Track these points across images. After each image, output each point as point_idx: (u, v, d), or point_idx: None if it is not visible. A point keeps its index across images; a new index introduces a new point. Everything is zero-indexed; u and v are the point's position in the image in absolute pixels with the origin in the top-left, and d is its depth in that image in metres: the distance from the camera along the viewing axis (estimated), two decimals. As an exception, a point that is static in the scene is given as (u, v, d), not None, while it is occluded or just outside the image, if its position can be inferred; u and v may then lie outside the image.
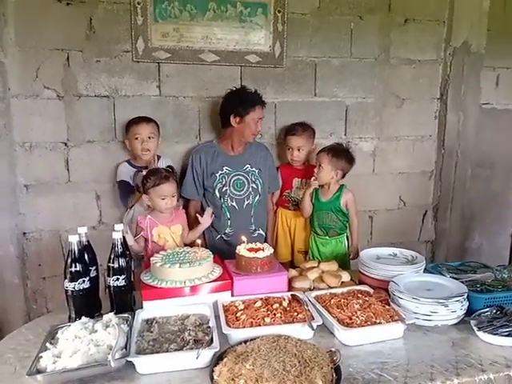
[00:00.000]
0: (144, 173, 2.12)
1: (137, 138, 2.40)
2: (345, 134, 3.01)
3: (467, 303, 1.54)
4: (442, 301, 1.49)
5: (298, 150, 2.64)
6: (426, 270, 1.82)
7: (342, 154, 2.41)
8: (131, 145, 2.44)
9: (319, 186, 2.46)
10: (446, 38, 3.06)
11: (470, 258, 2.34)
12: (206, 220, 2.19)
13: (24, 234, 2.56)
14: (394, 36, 2.96)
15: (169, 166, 2.23)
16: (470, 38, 3.03)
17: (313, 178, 2.42)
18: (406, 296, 1.53)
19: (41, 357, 1.26)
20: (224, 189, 2.50)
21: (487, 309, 1.55)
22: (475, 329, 1.44)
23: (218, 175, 2.50)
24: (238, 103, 2.45)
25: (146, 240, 2.03)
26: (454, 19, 3.01)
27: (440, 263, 1.97)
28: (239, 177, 2.53)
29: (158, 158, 2.51)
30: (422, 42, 3.03)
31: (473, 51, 3.04)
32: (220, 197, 2.51)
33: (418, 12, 2.97)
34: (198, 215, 2.20)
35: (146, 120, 2.45)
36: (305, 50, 2.82)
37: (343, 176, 2.44)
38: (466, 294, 1.54)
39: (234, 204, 2.53)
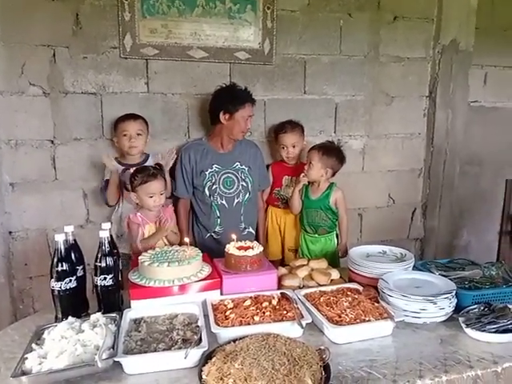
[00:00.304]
0: (131, 171, 2.09)
1: (125, 135, 2.38)
2: (334, 132, 3.01)
3: (455, 300, 1.55)
4: (430, 298, 1.50)
5: (293, 146, 2.64)
6: (415, 268, 1.83)
7: (332, 152, 2.41)
8: (119, 142, 2.42)
9: (309, 183, 2.46)
10: (434, 36, 3.08)
11: (458, 256, 2.36)
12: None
13: (10, 232, 2.52)
14: (383, 33, 2.96)
15: (157, 164, 2.21)
16: (459, 35, 3.05)
17: (302, 174, 2.42)
18: (395, 293, 1.54)
19: (26, 358, 1.24)
20: (214, 187, 2.49)
21: (475, 306, 1.56)
22: (463, 326, 1.45)
23: (207, 173, 2.48)
24: (228, 100, 2.43)
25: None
26: (442, 17, 3.02)
27: (429, 261, 1.98)
28: (229, 175, 2.51)
29: (147, 156, 2.49)
30: (411, 40, 3.04)
31: (461, 49, 3.07)
32: (210, 195, 2.50)
33: (407, 9, 2.98)
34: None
35: (134, 117, 2.43)
36: (294, 47, 2.81)
37: (333, 174, 2.44)
38: (454, 291, 1.55)
39: (223, 202, 2.51)
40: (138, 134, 2.41)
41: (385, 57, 3.00)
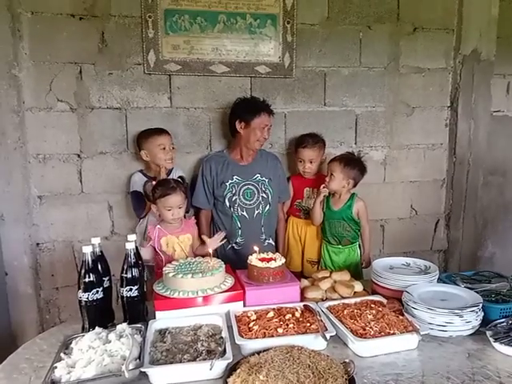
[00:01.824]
0: (154, 183, 2.13)
1: (164, 148, 2.43)
2: (355, 143, 3.01)
3: (482, 313, 1.52)
4: (456, 311, 1.48)
5: (310, 162, 2.64)
6: (439, 280, 1.80)
7: (354, 163, 2.41)
8: (153, 154, 2.44)
9: (330, 194, 2.46)
10: (455, 46, 3.06)
11: (483, 267, 2.32)
12: (213, 243, 2.06)
13: (37, 244, 2.59)
14: (403, 44, 2.96)
15: (180, 177, 2.25)
16: (480, 45, 3.02)
17: (322, 185, 2.42)
18: (420, 306, 1.52)
19: (55, 367, 1.28)
20: (234, 198, 2.51)
21: (503, 319, 1.53)
22: (491, 340, 1.42)
23: (228, 184, 2.51)
24: (244, 109, 2.50)
25: (155, 249, 2.04)
26: (462, 27, 3.01)
27: (454, 273, 1.95)
28: (249, 186, 2.53)
29: (171, 169, 2.53)
30: (431, 51, 3.03)
31: (483, 59, 3.04)
32: (230, 206, 2.52)
33: (427, 20, 2.98)
34: (204, 237, 2.10)
35: (166, 131, 2.49)
36: (314, 60, 2.84)
37: (355, 185, 2.44)
38: (481, 305, 1.52)
39: (244, 213, 2.53)
40: (173, 148, 2.48)
41: (405, 68, 3.00)
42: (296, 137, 2.81)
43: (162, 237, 2.04)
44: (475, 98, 3.08)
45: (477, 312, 1.50)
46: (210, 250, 1.86)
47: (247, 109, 2.49)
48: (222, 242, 2.13)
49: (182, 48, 2.59)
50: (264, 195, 2.55)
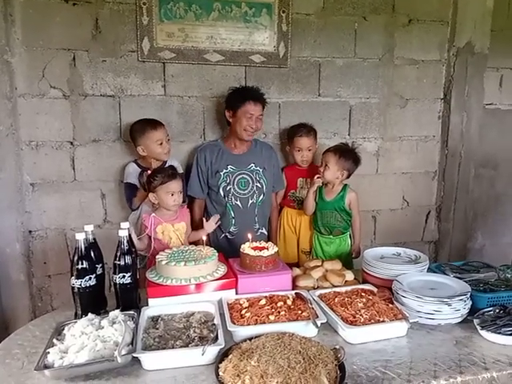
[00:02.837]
0: (149, 172, 2.13)
1: (161, 144, 2.41)
2: (348, 134, 3.02)
3: (470, 302, 1.55)
4: (445, 300, 1.50)
5: (309, 150, 2.66)
6: (429, 270, 1.83)
7: (349, 154, 2.42)
8: (150, 150, 2.40)
9: (323, 184, 2.47)
10: (449, 38, 3.07)
11: (472, 259, 2.35)
12: (209, 225, 2.21)
13: (30, 232, 2.59)
14: (398, 36, 2.96)
15: (170, 166, 2.26)
16: (474, 38, 3.03)
17: (316, 176, 2.43)
18: (409, 295, 1.54)
19: (48, 352, 1.28)
20: (228, 187, 2.52)
21: (490, 308, 1.56)
22: (478, 328, 1.45)
23: (222, 174, 2.51)
24: (232, 98, 2.50)
25: (150, 238, 2.04)
26: (457, 19, 3.01)
27: (443, 263, 1.98)
28: (243, 176, 2.54)
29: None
30: (425, 43, 3.03)
31: (476, 51, 3.05)
32: (224, 195, 2.52)
33: (422, 12, 2.98)
34: (204, 219, 2.23)
35: (160, 124, 2.46)
36: (309, 50, 2.83)
37: (348, 176, 2.45)
38: (469, 294, 1.55)
39: (238, 203, 2.54)
40: (168, 140, 2.47)
41: (399, 59, 3.00)
42: (288, 128, 2.82)
43: (158, 225, 2.05)
44: (468, 91, 3.10)
45: (465, 301, 1.52)
46: (204, 237, 1.87)
47: (234, 97, 2.49)
48: (218, 224, 2.23)
49: (176, 36, 2.58)
50: (258, 185, 2.56)
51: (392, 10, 2.92)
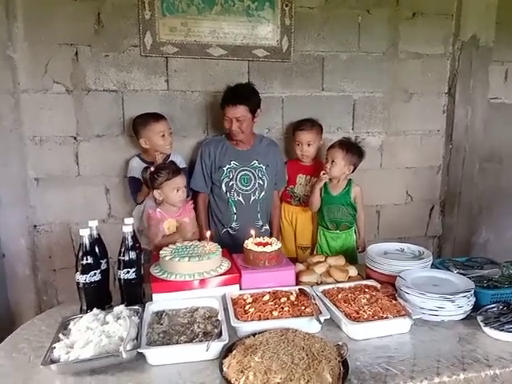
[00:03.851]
0: (152, 169, 2.13)
1: (163, 135, 2.41)
2: (352, 129, 3.01)
3: (474, 299, 1.54)
4: (448, 296, 1.50)
5: (308, 145, 2.64)
6: (433, 266, 1.83)
7: (355, 149, 2.42)
8: (153, 142, 2.42)
9: (328, 179, 2.47)
10: (454, 32, 3.04)
11: (476, 253, 2.35)
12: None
13: (35, 226, 2.60)
14: (402, 30, 2.94)
15: (171, 162, 2.26)
16: (479, 31, 3.01)
17: (322, 172, 2.42)
18: (412, 291, 1.54)
19: (54, 347, 1.29)
20: (231, 183, 2.52)
21: (494, 305, 1.55)
22: (482, 324, 1.45)
23: (225, 169, 2.51)
24: (222, 99, 2.47)
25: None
26: (462, 12, 2.98)
27: (447, 259, 1.97)
28: (246, 172, 2.53)
29: (169, 154, 2.52)
30: (430, 36, 3.01)
31: (481, 45, 3.02)
32: (226, 191, 2.52)
33: (426, 5, 2.95)
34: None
35: (162, 117, 2.47)
36: (312, 44, 2.81)
37: (353, 170, 2.46)
38: (472, 290, 1.55)
39: (240, 199, 2.54)
40: (170, 133, 2.47)
41: (404, 53, 2.98)
42: (293, 122, 2.81)
43: (164, 220, 2.06)
44: (473, 85, 3.08)
45: (468, 297, 1.52)
46: (208, 233, 1.88)
47: (222, 99, 2.46)
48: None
49: (179, 30, 2.57)
50: (260, 182, 2.56)
51: (396, 3, 2.90)
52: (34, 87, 2.46)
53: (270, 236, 2.62)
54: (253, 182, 2.54)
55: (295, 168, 2.74)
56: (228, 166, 2.51)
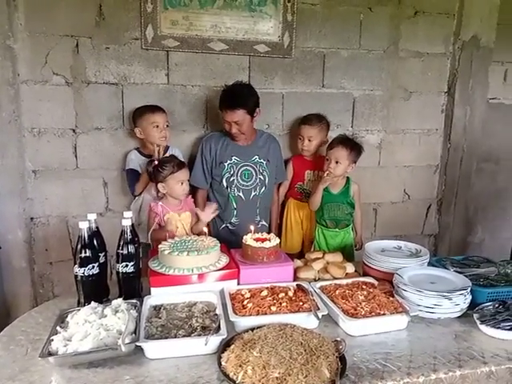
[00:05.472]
0: (156, 163, 2.12)
1: (157, 126, 2.41)
2: (351, 126, 3.01)
3: (470, 297, 1.56)
4: (445, 294, 1.51)
5: (309, 140, 2.64)
6: (430, 264, 1.84)
7: (356, 146, 2.41)
8: (147, 132, 2.43)
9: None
10: (455, 32, 3.04)
11: (472, 253, 2.36)
12: (206, 215, 2.10)
13: (32, 219, 2.59)
14: (403, 28, 2.94)
15: (172, 155, 2.26)
16: (480, 31, 3.01)
17: (326, 173, 2.37)
18: (410, 288, 1.55)
19: (52, 340, 1.29)
20: (231, 179, 2.51)
21: (490, 303, 1.57)
22: (478, 322, 1.47)
23: (226, 164, 2.51)
24: (220, 100, 2.45)
25: (160, 225, 2.06)
26: (464, 12, 2.99)
27: (444, 257, 1.99)
28: (247, 167, 2.53)
29: (167, 147, 2.51)
30: (431, 35, 3.01)
31: (482, 45, 3.03)
32: (227, 186, 2.52)
33: (428, 4, 2.95)
34: (197, 210, 2.12)
35: (161, 109, 2.47)
36: (314, 41, 2.81)
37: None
38: (469, 288, 1.56)
39: (240, 194, 2.54)
40: (167, 126, 2.46)
41: (404, 52, 2.98)
42: (297, 117, 2.82)
43: (165, 214, 2.06)
44: (472, 85, 3.09)
45: (465, 295, 1.53)
46: (205, 229, 1.88)
47: (219, 101, 2.45)
48: (216, 213, 2.18)
49: (180, 24, 2.55)
50: (261, 177, 2.56)
51: (398, 2, 2.89)
52: (33, 78, 2.44)
53: (269, 232, 2.63)
54: (254, 178, 2.54)
55: (301, 164, 2.74)
56: (229, 162, 2.51)
